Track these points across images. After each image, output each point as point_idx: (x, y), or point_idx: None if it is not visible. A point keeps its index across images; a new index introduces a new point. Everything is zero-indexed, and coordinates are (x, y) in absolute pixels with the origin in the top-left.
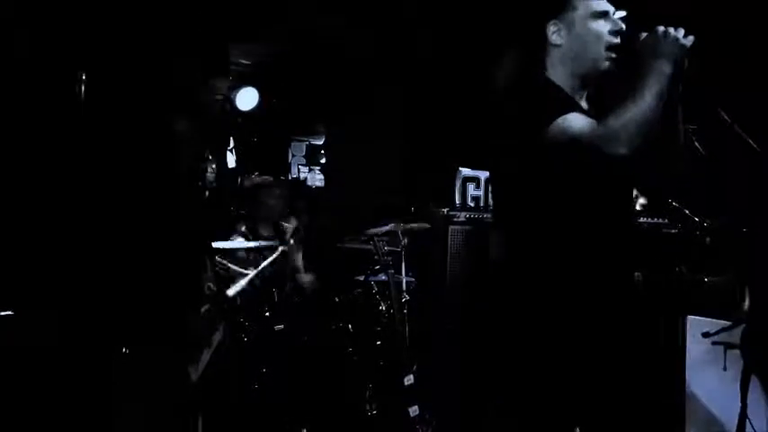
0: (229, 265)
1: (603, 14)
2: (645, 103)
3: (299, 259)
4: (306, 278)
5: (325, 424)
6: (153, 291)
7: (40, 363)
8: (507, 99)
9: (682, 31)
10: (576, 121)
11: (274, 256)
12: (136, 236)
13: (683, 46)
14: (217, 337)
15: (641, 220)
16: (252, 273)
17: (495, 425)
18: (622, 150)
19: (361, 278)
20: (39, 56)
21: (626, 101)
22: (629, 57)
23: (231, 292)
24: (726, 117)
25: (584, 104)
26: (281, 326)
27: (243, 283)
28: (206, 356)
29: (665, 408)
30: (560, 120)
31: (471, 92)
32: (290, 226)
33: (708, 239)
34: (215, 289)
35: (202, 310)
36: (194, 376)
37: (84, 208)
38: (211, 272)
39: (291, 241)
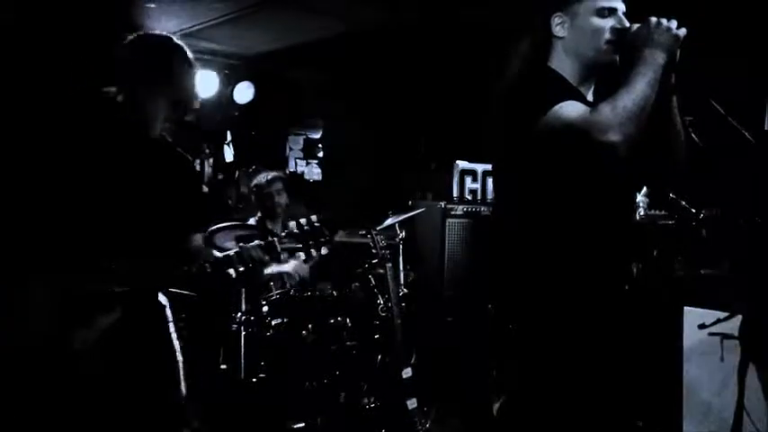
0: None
1: (610, 11)
2: (637, 91)
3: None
4: (294, 266)
5: (323, 418)
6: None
7: None
8: (509, 89)
9: (675, 23)
10: (571, 108)
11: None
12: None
13: (675, 36)
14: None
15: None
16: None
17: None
18: (614, 138)
19: (359, 272)
20: None
21: (619, 89)
22: (624, 47)
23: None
24: (719, 108)
25: (589, 96)
26: (279, 320)
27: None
28: None
29: (662, 399)
30: (556, 107)
31: (470, 84)
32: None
33: (704, 231)
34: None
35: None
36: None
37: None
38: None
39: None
